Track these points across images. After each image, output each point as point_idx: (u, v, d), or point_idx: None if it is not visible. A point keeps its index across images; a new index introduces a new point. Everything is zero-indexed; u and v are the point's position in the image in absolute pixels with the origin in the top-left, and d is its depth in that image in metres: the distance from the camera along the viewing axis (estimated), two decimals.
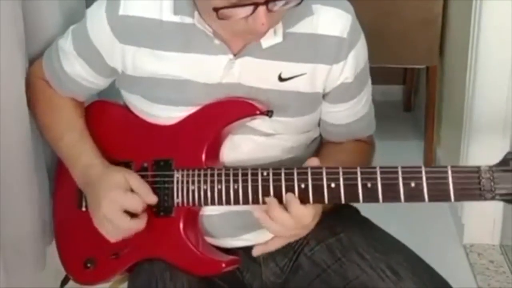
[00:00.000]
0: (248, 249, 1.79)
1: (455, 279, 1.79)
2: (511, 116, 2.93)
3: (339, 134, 1.80)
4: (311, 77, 1.67)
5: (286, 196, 1.55)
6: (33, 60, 1.84)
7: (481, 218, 3.15)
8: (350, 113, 1.77)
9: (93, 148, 1.75)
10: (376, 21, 3.39)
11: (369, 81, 1.80)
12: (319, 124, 1.81)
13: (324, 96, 1.73)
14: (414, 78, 4.31)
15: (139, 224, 1.65)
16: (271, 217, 1.55)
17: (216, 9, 1.45)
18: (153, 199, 1.65)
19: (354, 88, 1.73)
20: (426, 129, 3.76)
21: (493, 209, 3.07)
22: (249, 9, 1.44)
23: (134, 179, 1.65)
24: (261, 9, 1.44)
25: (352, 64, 1.68)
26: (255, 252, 1.67)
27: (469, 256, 3.12)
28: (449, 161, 3.45)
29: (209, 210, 1.72)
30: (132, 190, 1.65)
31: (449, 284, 1.72)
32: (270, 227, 1.58)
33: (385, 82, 4.29)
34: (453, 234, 3.27)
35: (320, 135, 1.85)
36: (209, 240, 1.76)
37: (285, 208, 1.55)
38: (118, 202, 1.63)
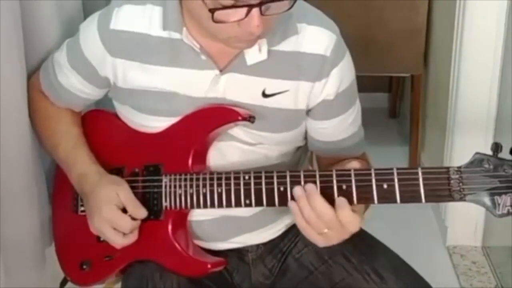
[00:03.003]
0: (238, 251, 1.81)
1: (439, 279, 1.80)
2: (493, 122, 2.94)
3: (327, 151, 1.77)
4: (294, 94, 1.66)
5: (338, 200, 1.48)
6: (31, 72, 1.84)
7: (464, 221, 3.16)
8: (335, 131, 1.74)
9: (88, 155, 1.75)
10: (363, 32, 3.40)
11: (357, 102, 1.77)
12: (306, 139, 1.80)
13: (308, 112, 1.71)
14: (399, 86, 4.31)
15: (130, 239, 1.66)
16: (311, 205, 1.48)
17: (211, 11, 1.44)
18: (142, 213, 1.65)
19: (337, 106, 1.70)
20: (411, 135, 3.77)
21: (475, 212, 3.07)
22: (243, 11, 1.44)
23: (124, 194, 1.65)
24: (255, 11, 1.44)
25: (334, 82, 1.66)
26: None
27: (452, 257, 3.13)
28: (434, 165, 3.45)
29: (199, 215, 1.72)
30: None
31: (431, 286, 1.72)
32: (307, 215, 1.49)
33: (372, 89, 4.29)
34: (437, 236, 3.28)
35: (306, 143, 1.85)
36: (200, 243, 1.76)
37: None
38: (109, 220, 1.64)
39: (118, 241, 1.65)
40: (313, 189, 1.50)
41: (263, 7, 1.44)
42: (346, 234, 1.52)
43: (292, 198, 1.53)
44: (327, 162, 1.76)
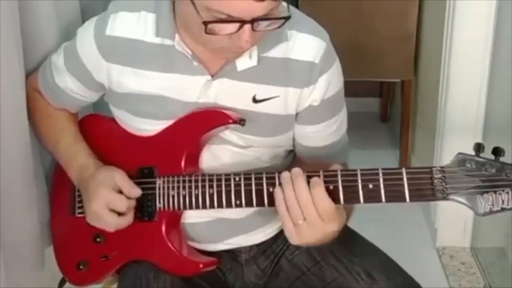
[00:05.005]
0: (231, 251, 1.81)
1: (428, 279, 1.80)
2: (481, 126, 2.95)
3: (307, 155, 1.77)
4: (283, 99, 1.66)
5: (313, 179, 1.48)
6: (30, 73, 1.84)
7: (453, 222, 3.16)
8: (318, 137, 1.74)
9: (88, 150, 1.77)
10: (355, 38, 3.41)
11: (342, 111, 1.77)
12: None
13: (295, 116, 1.71)
14: (390, 91, 4.31)
15: (126, 220, 1.66)
16: (293, 186, 1.47)
17: (205, 23, 1.45)
18: (136, 192, 1.66)
19: (322, 112, 1.70)
20: (401, 139, 3.77)
21: (464, 213, 3.07)
22: (235, 26, 1.44)
23: (119, 177, 1.66)
24: (247, 27, 1.45)
25: (321, 88, 1.66)
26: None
27: (441, 258, 3.13)
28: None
29: (193, 218, 1.73)
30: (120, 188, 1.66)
31: (420, 286, 1.72)
32: (290, 200, 1.47)
33: (363, 94, 4.29)
34: (426, 238, 3.28)
35: None
36: (194, 245, 1.76)
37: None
38: (105, 201, 1.64)
39: (113, 222, 1.65)
40: (299, 172, 1.49)
41: (255, 24, 1.45)
42: (318, 230, 1.49)
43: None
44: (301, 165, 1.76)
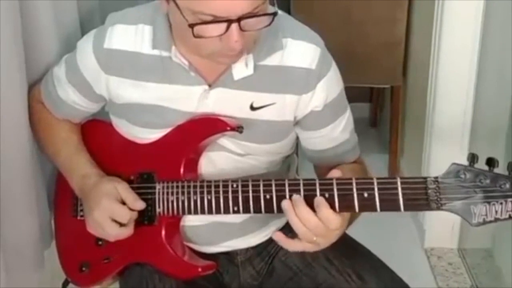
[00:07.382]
0: (227, 253, 1.82)
1: (417, 280, 1.81)
2: (468, 130, 2.95)
3: (322, 159, 1.77)
4: (281, 106, 1.66)
5: (315, 200, 1.48)
6: (30, 83, 1.85)
7: (441, 224, 3.17)
8: (326, 140, 1.75)
9: (89, 160, 1.77)
10: (345, 44, 3.40)
11: (347, 111, 1.77)
12: (297, 152, 1.81)
13: (298, 123, 1.72)
14: (379, 97, 4.31)
15: (127, 231, 1.66)
16: (297, 215, 1.48)
17: (191, 26, 1.44)
18: (139, 205, 1.66)
19: (326, 116, 1.71)
20: (391, 143, 3.77)
21: (452, 216, 3.05)
22: (222, 26, 1.44)
23: (123, 188, 1.67)
24: (234, 26, 1.44)
25: (321, 94, 1.66)
26: (276, 236, 1.54)
27: (429, 259, 3.14)
28: (412, 172, 3.48)
29: (192, 221, 1.74)
30: (122, 199, 1.66)
31: (409, 287, 1.73)
32: (295, 225, 1.48)
33: (353, 100, 4.21)
34: (415, 239, 3.28)
35: (296, 151, 1.87)
36: (192, 246, 1.77)
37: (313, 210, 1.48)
38: (108, 211, 1.64)
39: (114, 232, 1.65)
40: (298, 200, 1.50)
41: (242, 23, 1.44)
42: (332, 236, 1.51)
43: (279, 207, 1.53)
44: (323, 172, 1.73)
